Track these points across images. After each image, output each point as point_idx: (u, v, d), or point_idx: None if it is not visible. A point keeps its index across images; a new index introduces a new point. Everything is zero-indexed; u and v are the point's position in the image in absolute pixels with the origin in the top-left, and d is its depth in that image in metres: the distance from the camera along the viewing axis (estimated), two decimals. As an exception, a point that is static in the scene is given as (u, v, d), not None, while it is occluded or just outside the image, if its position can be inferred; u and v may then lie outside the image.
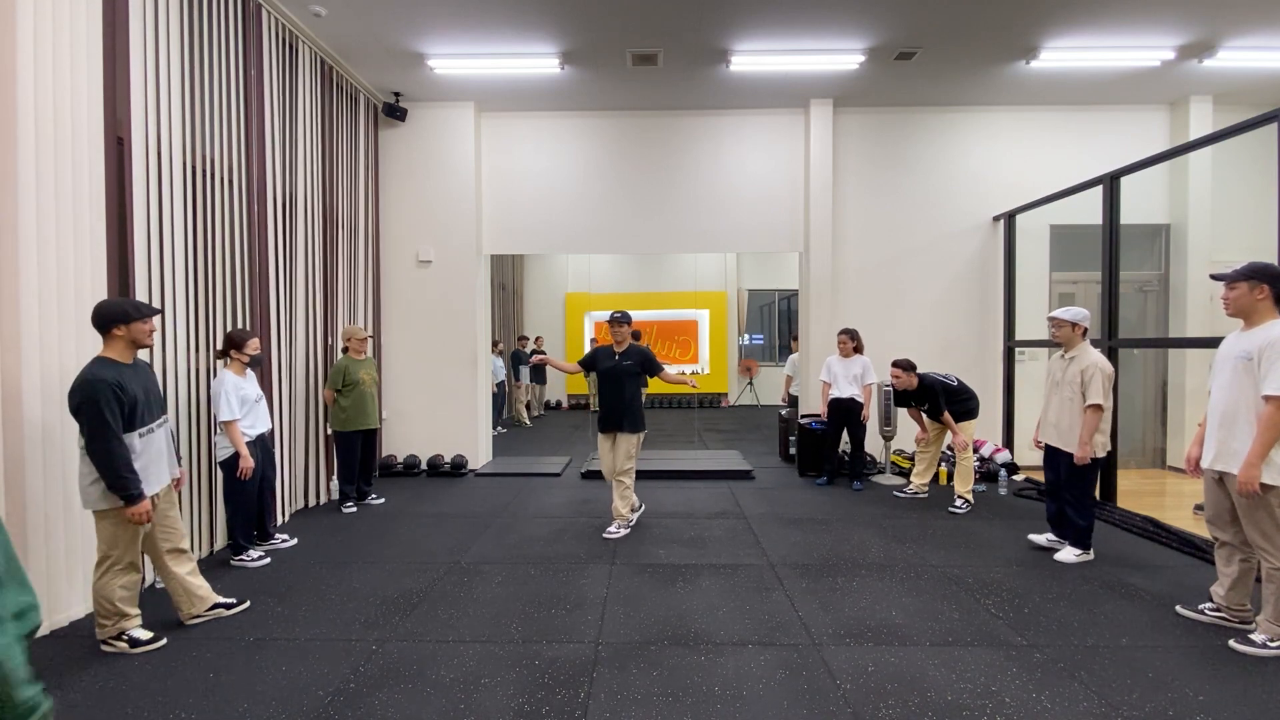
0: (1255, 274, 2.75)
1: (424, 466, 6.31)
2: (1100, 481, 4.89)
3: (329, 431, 5.18)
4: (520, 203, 6.67)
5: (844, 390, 5.61)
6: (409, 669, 2.61)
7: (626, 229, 6.68)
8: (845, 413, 5.62)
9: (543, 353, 10.99)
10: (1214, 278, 2.96)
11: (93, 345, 3.00)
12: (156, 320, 2.96)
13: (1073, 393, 3.72)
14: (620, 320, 4.31)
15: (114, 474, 2.59)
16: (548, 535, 4.33)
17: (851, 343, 5.62)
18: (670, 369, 4.46)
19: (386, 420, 6.31)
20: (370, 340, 5.43)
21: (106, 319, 2.71)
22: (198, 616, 3.03)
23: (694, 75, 5.82)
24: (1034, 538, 4.10)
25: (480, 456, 6.56)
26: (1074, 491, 3.78)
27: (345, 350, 5.05)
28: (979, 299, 6.60)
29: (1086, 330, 3.80)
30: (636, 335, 9.19)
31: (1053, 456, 3.92)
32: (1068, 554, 3.79)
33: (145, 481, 2.72)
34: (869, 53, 5.40)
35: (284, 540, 4.19)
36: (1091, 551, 3.81)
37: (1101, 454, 3.71)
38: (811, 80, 5.96)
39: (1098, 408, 3.61)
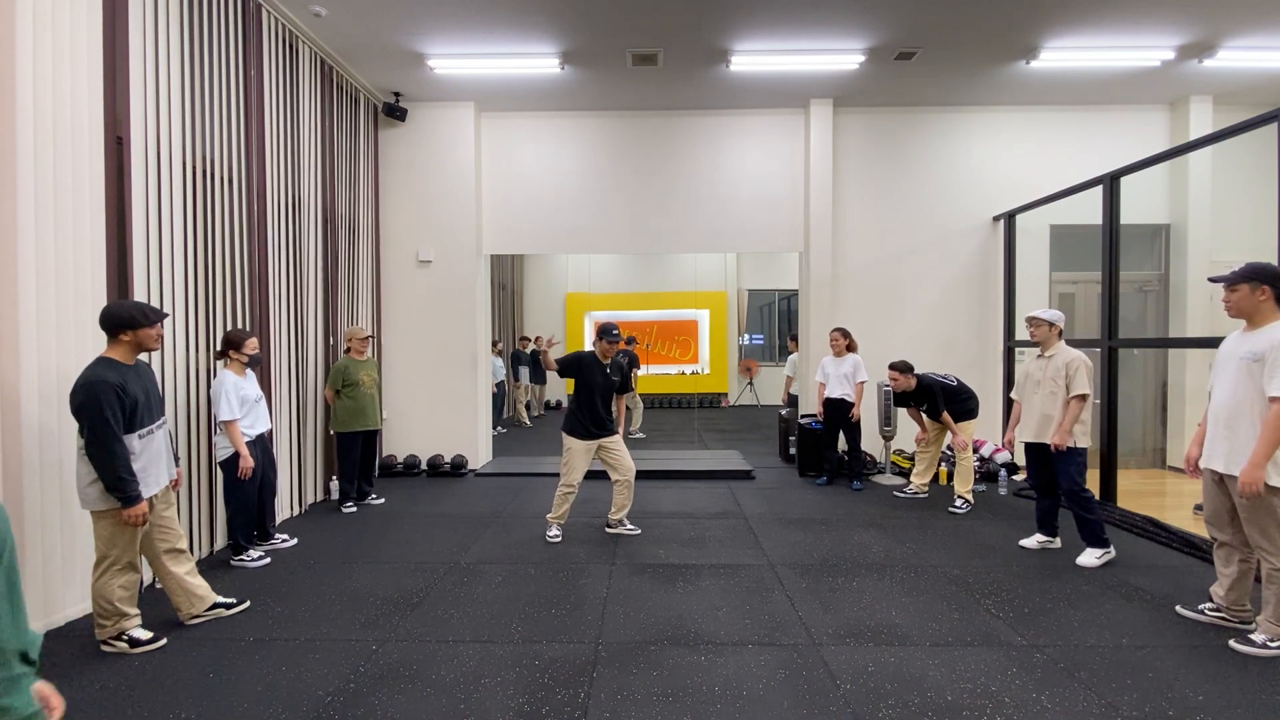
0: (1255, 275, 2.74)
1: (424, 466, 6.31)
2: (1100, 481, 4.90)
3: (330, 432, 5.18)
4: (520, 203, 6.66)
5: (837, 390, 5.60)
6: (409, 669, 2.61)
7: (626, 229, 6.67)
8: (840, 412, 5.62)
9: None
10: (1212, 280, 2.95)
11: (92, 346, 3.01)
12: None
13: (1056, 387, 3.79)
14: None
15: (113, 475, 2.59)
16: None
17: (844, 340, 5.61)
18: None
19: (386, 420, 6.31)
20: (371, 340, 5.43)
21: (116, 323, 2.69)
22: (198, 616, 3.02)
23: (694, 75, 5.82)
24: (1025, 543, 4.10)
25: (480, 456, 6.56)
26: (1068, 490, 3.76)
27: (347, 350, 5.06)
28: (979, 299, 6.60)
29: (1061, 330, 3.92)
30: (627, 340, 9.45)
31: (1037, 455, 3.96)
32: (1088, 557, 3.76)
33: (144, 483, 2.72)
34: (869, 53, 5.39)
35: (284, 540, 4.19)
36: (1113, 550, 3.79)
37: (1083, 444, 3.74)
38: (811, 80, 5.95)
39: (1082, 398, 3.70)
